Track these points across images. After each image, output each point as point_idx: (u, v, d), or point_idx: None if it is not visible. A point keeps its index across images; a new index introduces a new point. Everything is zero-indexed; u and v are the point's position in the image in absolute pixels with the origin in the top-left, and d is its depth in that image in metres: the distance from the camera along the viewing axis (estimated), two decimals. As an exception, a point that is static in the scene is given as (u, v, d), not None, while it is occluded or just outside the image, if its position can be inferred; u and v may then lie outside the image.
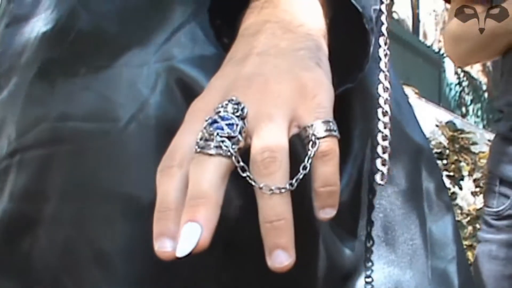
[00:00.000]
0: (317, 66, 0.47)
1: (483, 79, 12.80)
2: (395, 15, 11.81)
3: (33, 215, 0.54)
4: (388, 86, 0.53)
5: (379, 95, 0.53)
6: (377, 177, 0.52)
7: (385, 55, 0.54)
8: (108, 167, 0.52)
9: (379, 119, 0.53)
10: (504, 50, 1.42)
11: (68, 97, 0.54)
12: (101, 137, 0.53)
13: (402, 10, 12.02)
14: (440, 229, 0.62)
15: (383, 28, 0.55)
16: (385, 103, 0.53)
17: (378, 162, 0.53)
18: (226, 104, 0.44)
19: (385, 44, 0.55)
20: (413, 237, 0.59)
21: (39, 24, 0.57)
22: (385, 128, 0.53)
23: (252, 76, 0.46)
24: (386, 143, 0.53)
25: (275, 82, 0.46)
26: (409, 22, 12.26)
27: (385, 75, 0.54)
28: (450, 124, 4.72)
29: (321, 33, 0.50)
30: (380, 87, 0.53)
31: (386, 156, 0.52)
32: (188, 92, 0.52)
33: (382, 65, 0.54)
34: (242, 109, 0.44)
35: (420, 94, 6.42)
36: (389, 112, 0.53)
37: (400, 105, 0.62)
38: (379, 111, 0.53)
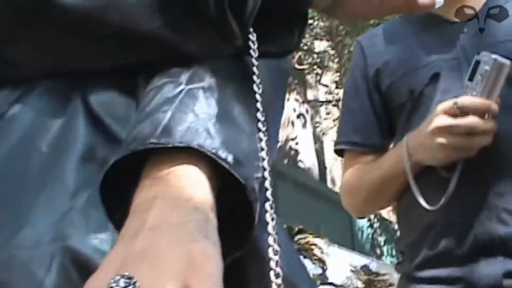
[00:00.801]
0: (205, 238, 0.50)
1: (394, 219, 13.06)
2: (301, 164, 12.11)
3: None
4: (278, 249, 0.55)
5: (270, 258, 0.55)
6: None
7: (272, 219, 0.57)
8: None
9: (272, 282, 0.54)
10: (398, 194, 1.48)
11: None
12: None
13: (308, 158, 12.34)
14: None
15: (268, 194, 0.58)
16: (276, 266, 0.55)
17: None
18: (118, 279, 0.45)
19: (271, 208, 0.57)
20: None
21: None
22: None
23: (144, 250, 0.48)
24: None
25: (166, 255, 0.47)
26: (316, 170, 12.57)
27: (274, 239, 0.56)
28: (365, 268, 4.78)
29: (209, 206, 0.53)
30: (270, 250, 0.55)
31: None
32: (84, 271, 0.52)
33: (270, 229, 0.56)
34: (134, 284, 0.45)
35: (332, 241, 6.50)
36: (281, 274, 0.54)
37: (293, 267, 0.64)
38: (272, 273, 0.54)
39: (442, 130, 1.29)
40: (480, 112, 1.28)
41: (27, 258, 0.54)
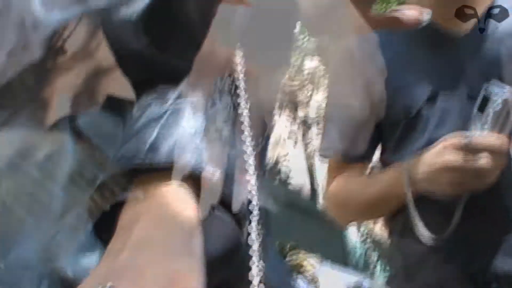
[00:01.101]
0: (189, 255, 0.50)
1: (386, 234, 13.01)
2: (292, 182, 12.10)
3: None
4: (262, 267, 0.55)
5: (253, 276, 0.55)
6: None
7: (258, 235, 0.57)
8: None
9: None
10: (390, 213, 1.46)
11: None
12: None
13: (299, 177, 12.34)
14: None
15: (255, 211, 0.58)
16: (259, 283, 0.55)
17: None
18: None
19: (258, 225, 0.58)
20: None
21: None
22: None
23: (127, 266, 0.48)
24: None
25: (149, 271, 0.48)
26: (307, 188, 12.55)
27: (259, 256, 0.56)
28: (359, 286, 4.76)
29: (195, 222, 0.53)
30: (254, 267, 0.56)
31: None
32: None
33: (254, 246, 0.56)
34: None
35: (324, 259, 6.47)
36: None
37: (285, 286, 0.64)
38: None
39: (453, 168, 1.27)
40: (492, 150, 1.27)
41: (16, 280, 0.54)
